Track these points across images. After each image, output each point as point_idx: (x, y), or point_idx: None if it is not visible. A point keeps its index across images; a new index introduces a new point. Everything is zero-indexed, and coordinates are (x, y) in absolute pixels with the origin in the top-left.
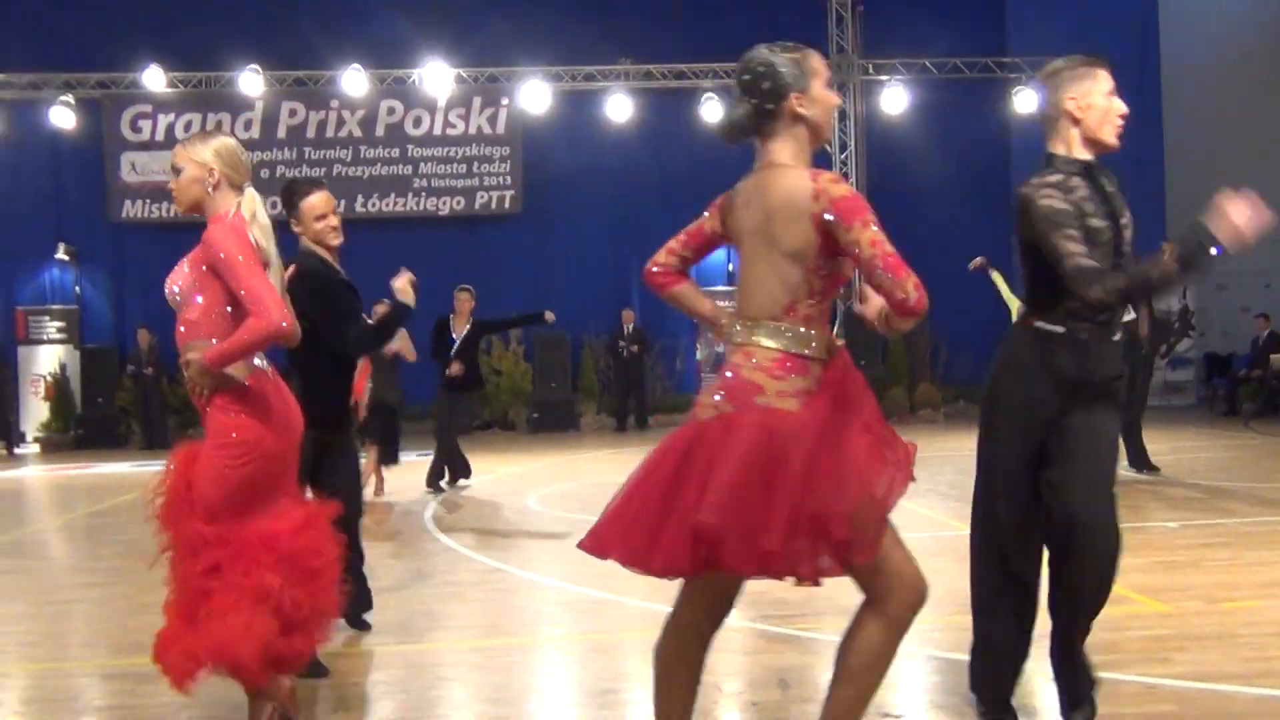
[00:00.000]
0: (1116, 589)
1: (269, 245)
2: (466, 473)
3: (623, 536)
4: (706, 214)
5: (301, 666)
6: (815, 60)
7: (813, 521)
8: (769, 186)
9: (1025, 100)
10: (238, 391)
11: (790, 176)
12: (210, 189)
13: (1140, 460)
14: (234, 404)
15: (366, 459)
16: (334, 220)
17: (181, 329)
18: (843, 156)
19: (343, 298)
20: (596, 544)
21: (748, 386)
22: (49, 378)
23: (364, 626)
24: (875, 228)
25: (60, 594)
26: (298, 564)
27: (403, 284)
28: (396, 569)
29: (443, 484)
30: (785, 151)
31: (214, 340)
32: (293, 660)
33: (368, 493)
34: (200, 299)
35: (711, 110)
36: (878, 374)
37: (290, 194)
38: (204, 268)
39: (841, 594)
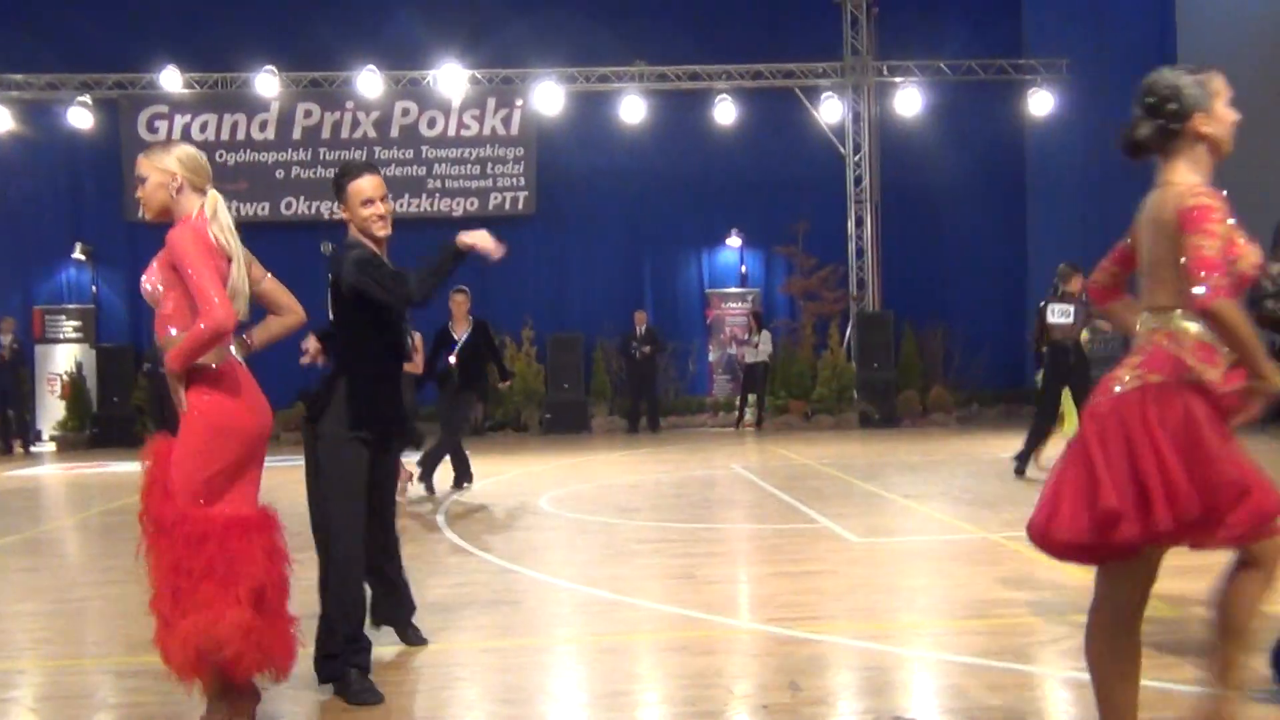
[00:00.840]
0: None
1: (232, 241)
2: (468, 478)
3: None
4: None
5: (289, 659)
6: (1218, 81)
7: (1237, 489)
8: (1164, 203)
9: (1041, 102)
10: (210, 376)
11: (1176, 193)
12: (174, 193)
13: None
14: (206, 388)
15: None
16: (381, 208)
17: (158, 323)
18: (856, 158)
19: (384, 266)
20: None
21: (1174, 361)
22: (65, 376)
23: (418, 639)
24: (1202, 236)
25: (75, 591)
26: (275, 547)
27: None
28: (408, 569)
29: (464, 483)
30: (1181, 169)
31: (179, 332)
32: (281, 650)
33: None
34: (170, 295)
35: (725, 112)
36: (890, 377)
37: (339, 176)
38: (170, 267)
39: (851, 597)
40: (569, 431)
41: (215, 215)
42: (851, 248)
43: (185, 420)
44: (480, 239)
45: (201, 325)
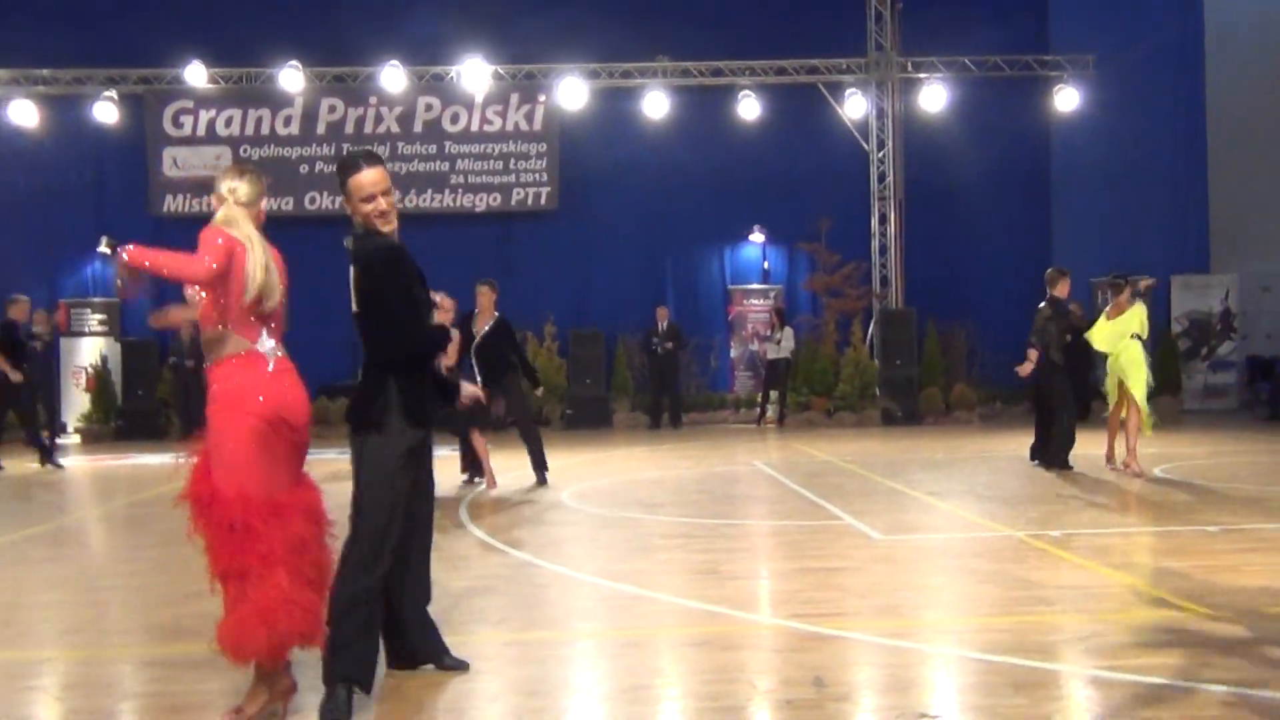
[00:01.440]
0: (1156, 592)
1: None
2: (478, 472)
3: None
4: None
5: (317, 634)
6: None
7: None
8: None
9: (1066, 99)
10: (226, 362)
11: None
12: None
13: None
14: (223, 372)
15: None
16: (383, 204)
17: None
18: (880, 155)
19: (412, 286)
20: None
21: None
22: (90, 369)
23: (458, 664)
24: None
25: (101, 581)
26: (319, 524)
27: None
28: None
29: (473, 478)
30: None
31: (220, 326)
32: (314, 625)
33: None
34: (209, 294)
35: (748, 108)
36: (913, 374)
37: (340, 168)
38: None
39: (874, 593)
40: (591, 427)
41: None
42: (875, 244)
43: (208, 404)
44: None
45: (184, 267)
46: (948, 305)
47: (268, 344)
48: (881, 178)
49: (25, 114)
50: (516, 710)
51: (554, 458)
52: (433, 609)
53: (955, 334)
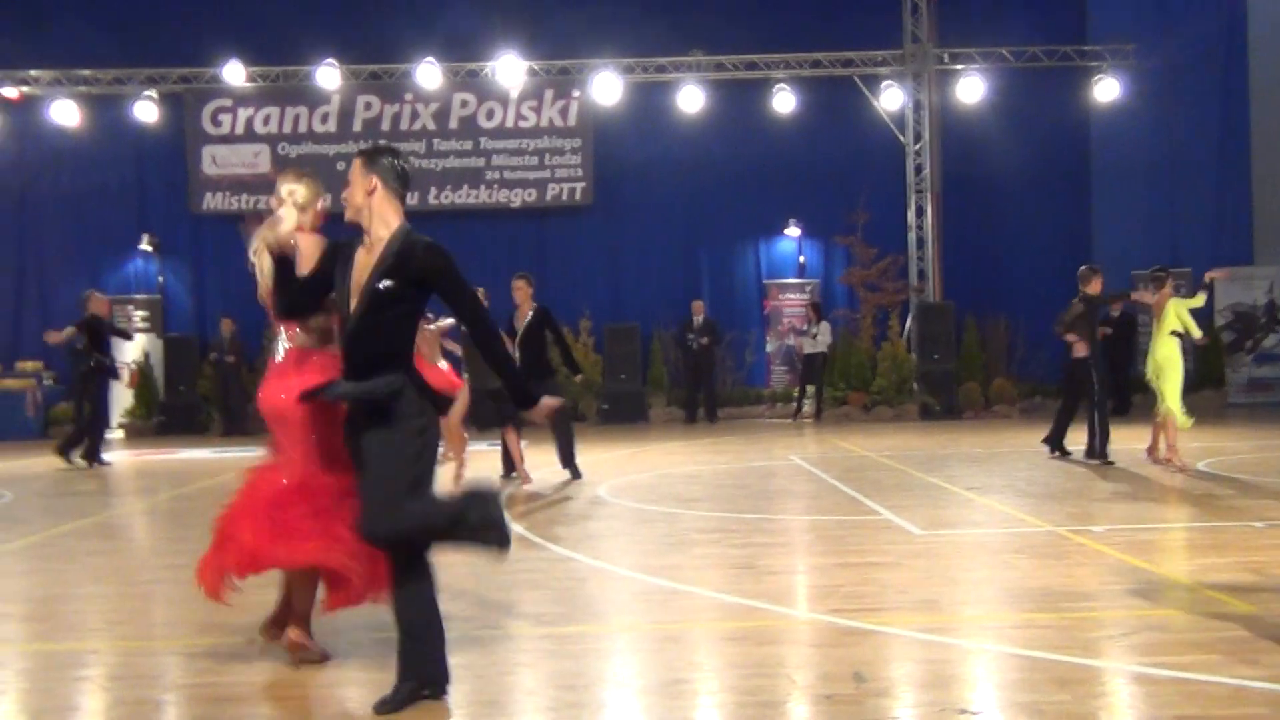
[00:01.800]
0: (1201, 588)
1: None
2: (508, 470)
3: None
4: None
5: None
6: None
7: None
8: None
9: (1106, 89)
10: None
11: None
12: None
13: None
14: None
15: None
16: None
17: None
18: (917, 147)
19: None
20: None
21: None
22: (133, 366)
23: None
24: None
25: (145, 574)
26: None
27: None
28: (469, 555)
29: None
30: None
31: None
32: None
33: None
34: None
35: (783, 101)
36: (951, 368)
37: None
38: None
39: (915, 587)
40: (626, 422)
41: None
42: (912, 237)
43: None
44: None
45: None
46: (986, 299)
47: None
48: (918, 170)
49: (67, 114)
50: (554, 704)
51: (590, 453)
52: (471, 602)
53: (994, 327)
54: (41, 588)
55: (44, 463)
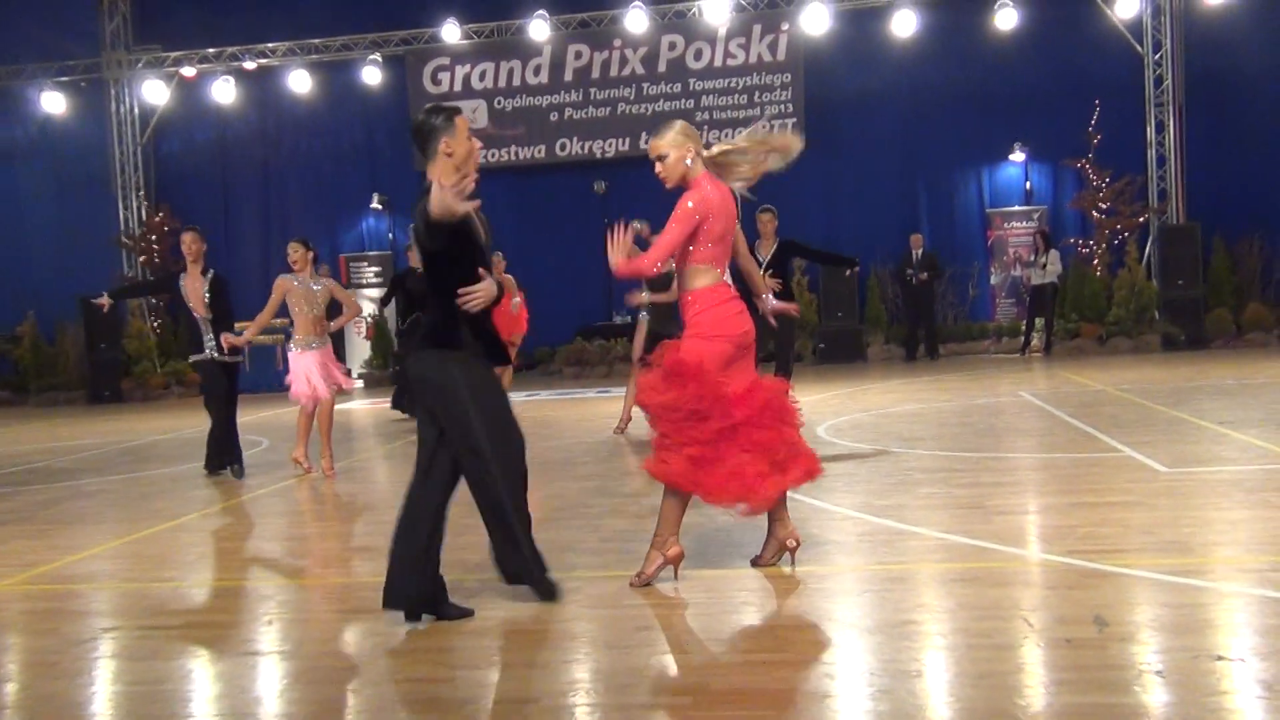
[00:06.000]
0: None
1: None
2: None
3: None
4: None
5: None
6: None
7: None
8: None
9: None
10: (696, 296)
11: None
12: (689, 163)
13: None
14: (700, 303)
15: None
16: (478, 143)
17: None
18: (1156, 56)
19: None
20: None
21: None
22: (369, 320)
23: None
24: None
25: (391, 511)
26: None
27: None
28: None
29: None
30: None
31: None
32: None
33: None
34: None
35: (1005, 17)
36: (1197, 295)
37: (440, 110)
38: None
39: (1159, 529)
40: (843, 361)
41: (717, 166)
42: (1151, 155)
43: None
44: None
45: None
46: (1236, 218)
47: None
48: (1158, 82)
49: (301, 82)
50: (781, 642)
51: (807, 393)
52: (696, 542)
53: (1246, 249)
54: (298, 526)
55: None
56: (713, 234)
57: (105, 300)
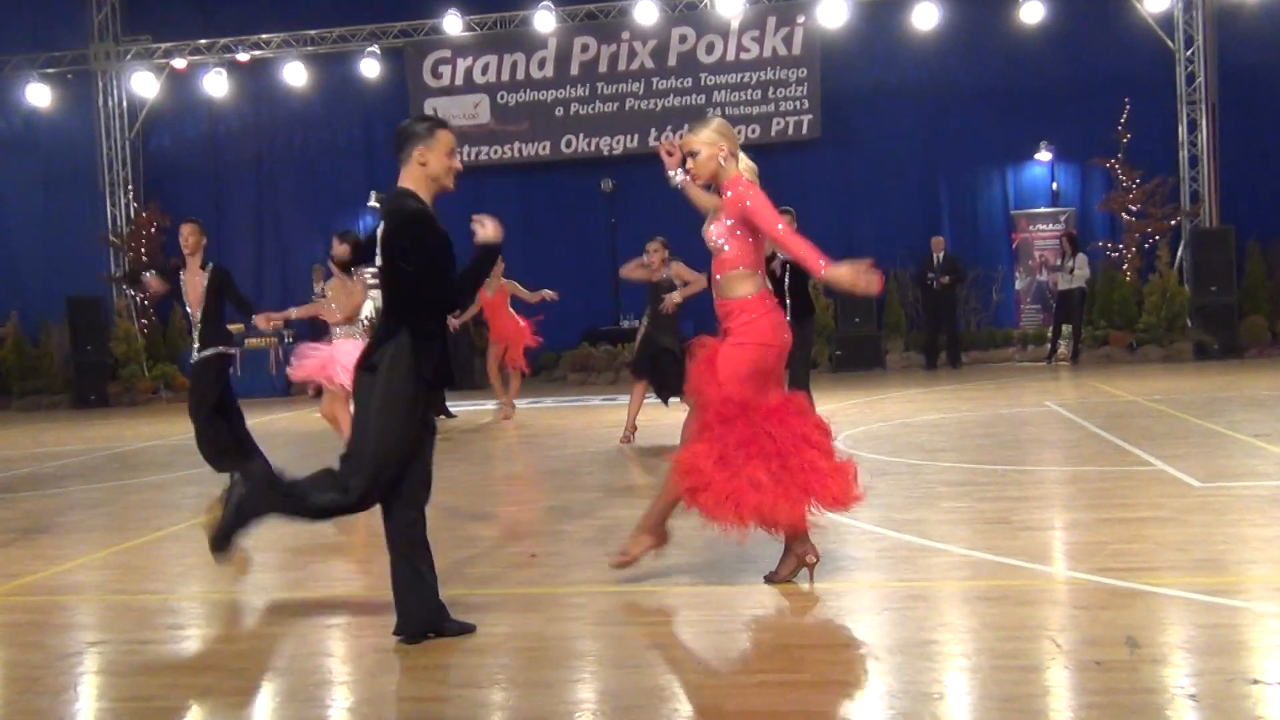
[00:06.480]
0: None
1: None
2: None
3: None
4: None
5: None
6: None
7: None
8: None
9: None
10: (748, 304)
11: None
12: (722, 160)
13: None
14: (748, 311)
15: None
16: (458, 162)
17: (716, 265)
18: (1188, 53)
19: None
20: None
21: None
22: (366, 321)
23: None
24: None
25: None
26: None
27: (489, 227)
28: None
29: None
30: None
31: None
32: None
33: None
34: (731, 242)
35: (1031, 11)
36: (1231, 301)
37: (428, 121)
38: (741, 220)
39: (1193, 546)
40: (861, 369)
41: (752, 175)
42: (1183, 156)
43: (732, 335)
44: (489, 228)
45: (802, 249)
46: (1272, 221)
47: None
48: (1190, 79)
49: (297, 75)
50: (797, 662)
51: (823, 402)
52: (709, 556)
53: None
54: (290, 538)
55: (290, 418)
56: (759, 236)
57: (155, 280)
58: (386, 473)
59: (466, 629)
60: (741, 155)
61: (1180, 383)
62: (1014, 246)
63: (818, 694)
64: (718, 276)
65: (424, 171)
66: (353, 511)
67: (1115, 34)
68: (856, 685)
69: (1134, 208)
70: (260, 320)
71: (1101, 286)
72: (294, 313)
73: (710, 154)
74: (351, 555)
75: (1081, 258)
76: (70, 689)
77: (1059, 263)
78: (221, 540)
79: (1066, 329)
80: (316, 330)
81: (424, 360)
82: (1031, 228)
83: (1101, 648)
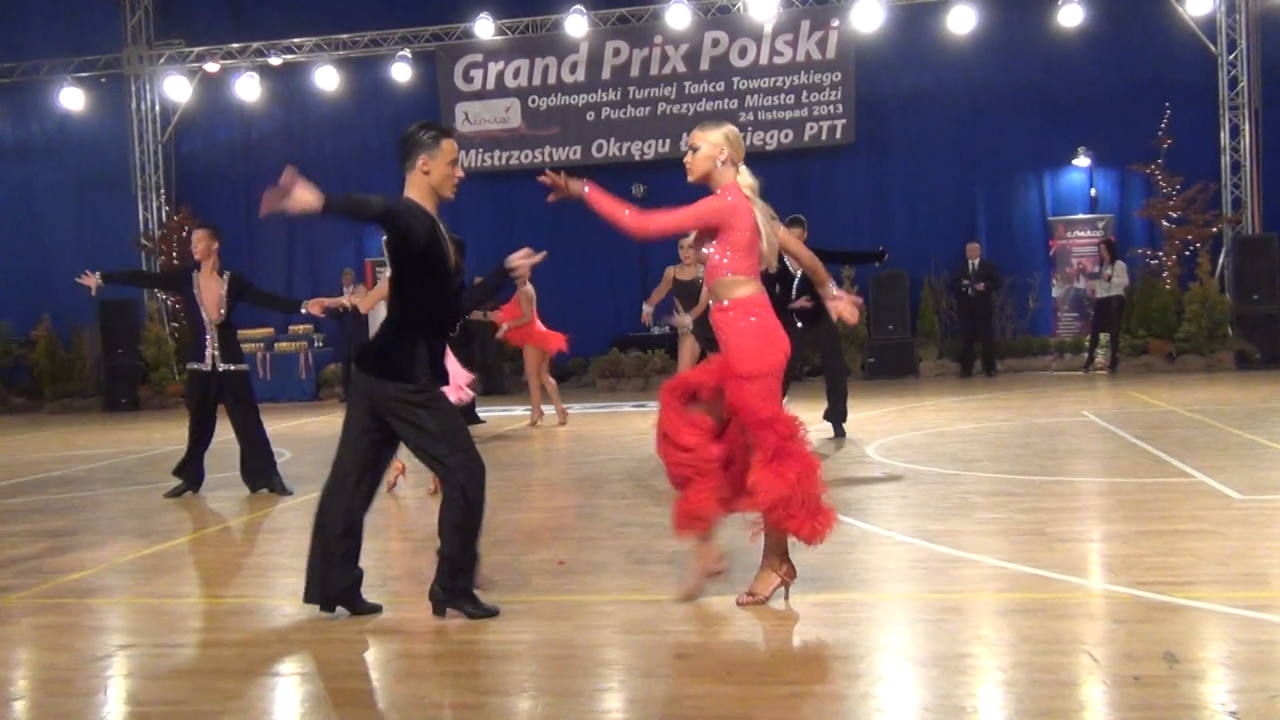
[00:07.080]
0: None
1: (757, 208)
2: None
3: None
4: None
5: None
6: None
7: None
8: None
9: None
10: (745, 303)
11: None
12: (719, 164)
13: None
14: (748, 312)
15: None
16: (461, 171)
17: (708, 272)
18: (1231, 57)
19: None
20: None
21: None
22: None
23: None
24: None
25: (419, 531)
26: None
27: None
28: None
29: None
30: None
31: (731, 275)
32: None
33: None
34: (716, 248)
35: (1070, 14)
36: (1275, 310)
37: (433, 129)
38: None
39: (1234, 560)
40: (894, 376)
41: (751, 191)
42: (1225, 161)
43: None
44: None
45: (628, 217)
46: None
47: None
48: (1233, 84)
49: (328, 79)
50: (830, 673)
51: (855, 410)
52: (736, 566)
53: None
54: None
55: (320, 422)
56: (741, 244)
57: (94, 279)
58: (463, 435)
59: (374, 609)
60: (743, 169)
61: (1221, 393)
62: (1051, 253)
63: (849, 706)
64: (716, 281)
65: (427, 180)
66: (481, 477)
67: (1155, 37)
68: (889, 698)
69: (1174, 214)
70: (314, 307)
71: (1140, 294)
72: (350, 300)
73: (709, 154)
74: (379, 562)
75: (1120, 265)
76: (100, 692)
77: (1097, 270)
78: (471, 603)
79: (1104, 338)
80: (344, 330)
81: (391, 350)
82: (1069, 234)
83: (1140, 663)
